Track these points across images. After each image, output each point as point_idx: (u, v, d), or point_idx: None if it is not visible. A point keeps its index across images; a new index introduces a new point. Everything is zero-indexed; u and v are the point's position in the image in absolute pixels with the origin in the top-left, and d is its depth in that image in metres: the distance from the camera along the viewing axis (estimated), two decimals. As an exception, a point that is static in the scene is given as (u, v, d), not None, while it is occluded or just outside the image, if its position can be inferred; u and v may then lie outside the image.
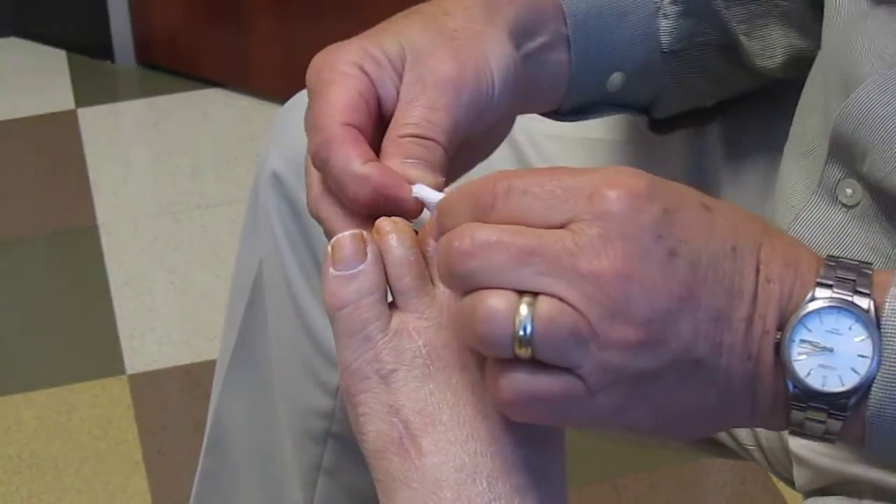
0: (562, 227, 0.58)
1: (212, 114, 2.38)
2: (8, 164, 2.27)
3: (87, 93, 2.43)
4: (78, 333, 1.92)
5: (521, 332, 0.58)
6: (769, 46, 0.89)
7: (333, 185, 0.69)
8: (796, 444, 0.89)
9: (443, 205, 0.63)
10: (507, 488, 0.62)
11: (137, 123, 2.40)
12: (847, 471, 0.85)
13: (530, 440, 0.63)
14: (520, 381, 0.59)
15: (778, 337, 0.60)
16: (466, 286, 0.59)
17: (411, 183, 0.68)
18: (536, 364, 0.58)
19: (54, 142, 2.33)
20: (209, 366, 1.19)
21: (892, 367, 0.60)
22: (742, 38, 0.87)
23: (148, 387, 1.83)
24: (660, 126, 0.92)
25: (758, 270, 0.60)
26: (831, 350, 0.60)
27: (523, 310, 0.58)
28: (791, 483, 0.94)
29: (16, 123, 2.36)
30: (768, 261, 0.60)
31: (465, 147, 0.73)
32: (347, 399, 0.65)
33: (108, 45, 2.49)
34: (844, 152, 0.78)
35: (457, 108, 0.71)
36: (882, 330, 0.60)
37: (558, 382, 0.58)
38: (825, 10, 0.81)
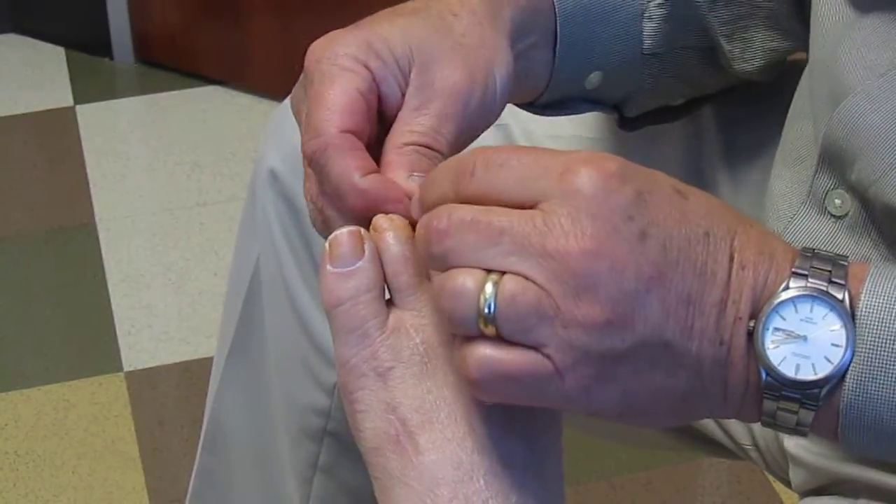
0: (534, 204, 0.59)
1: (210, 111, 2.38)
2: (6, 161, 2.27)
3: (86, 90, 2.43)
4: (75, 330, 1.92)
5: (486, 310, 0.58)
6: (749, 49, 0.89)
7: (330, 192, 0.69)
8: (792, 444, 0.90)
9: (426, 179, 0.64)
10: (504, 486, 0.62)
11: (136, 120, 2.40)
12: (843, 471, 0.85)
13: (528, 438, 0.64)
14: (486, 358, 0.59)
15: (751, 324, 0.60)
16: (442, 265, 0.60)
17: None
18: (503, 342, 0.59)
19: (53, 138, 2.33)
20: (206, 363, 1.19)
21: (867, 359, 0.60)
22: (723, 40, 0.88)
23: (145, 384, 1.83)
24: (629, 123, 0.92)
25: (731, 257, 0.60)
26: (805, 338, 0.60)
27: (488, 288, 0.58)
28: (787, 483, 0.94)
29: (14, 120, 2.36)
30: (742, 248, 0.60)
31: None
32: (345, 396, 0.65)
33: (106, 42, 2.49)
34: (834, 161, 0.78)
35: (463, 119, 0.71)
36: (857, 321, 0.60)
37: (524, 360, 0.59)
38: (811, 21, 0.81)
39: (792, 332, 0.60)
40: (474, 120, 0.72)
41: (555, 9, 0.81)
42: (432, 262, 0.61)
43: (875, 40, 0.75)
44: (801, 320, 0.60)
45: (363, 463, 0.65)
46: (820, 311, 0.60)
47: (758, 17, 0.88)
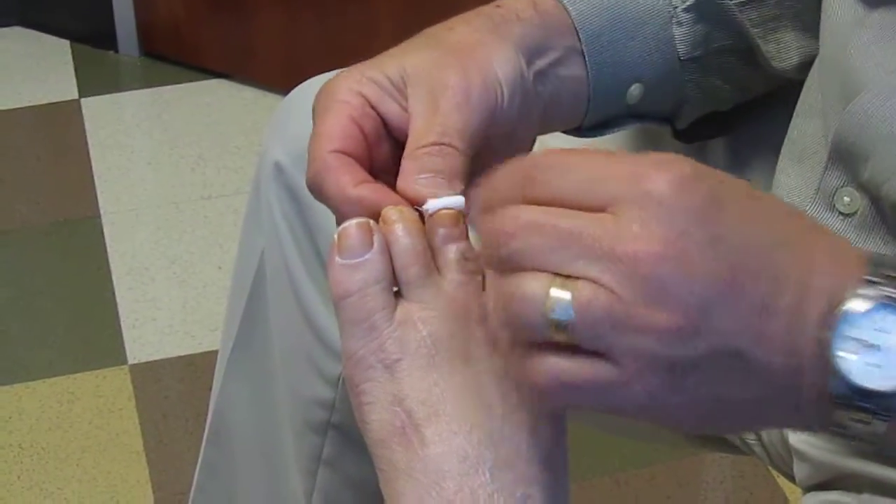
0: (604, 208, 0.58)
1: (215, 104, 2.38)
2: (11, 153, 2.27)
3: (91, 83, 2.43)
4: (80, 323, 1.93)
5: (559, 317, 0.57)
6: (784, 48, 0.88)
7: (332, 211, 0.70)
8: (796, 439, 0.90)
9: (489, 179, 0.62)
10: (510, 479, 0.62)
11: (141, 113, 2.40)
12: (847, 465, 0.85)
13: (534, 432, 0.64)
14: (554, 366, 0.58)
15: (825, 332, 0.58)
16: (508, 267, 0.59)
17: (421, 203, 0.68)
18: (571, 348, 0.58)
19: (57, 131, 2.33)
20: (210, 356, 1.19)
21: None
22: (758, 41, 0.87)
23: (149, 377, 1.83)
24: (682, 135, 0.91)
25: (804, 263, 0.59)
26: (878, 348, 0.58)
27: (560, 294, 0.57)
28: (791, 477, 0.94)
29: (19, 113, 2.36)
30: (815, 255, 0.59)
31: (488, 165, 0.72)
32: (351, 388, 0.65)
33: (111, 35, 2.49)
34: (845, 159, 0.77)
35: (468, 109, 0.71)
36: None
37: (593, 367, 0.58)
38: (822, 17, 0.81)
39: (865, 340, 0.58)
40: (483, 112, 0.72)
41: (574, 27, 0.80)
42: (496, 263, 0.60)
43: (884, 37, 0.75)
44: (875, 329, 0.58)
45: (367, 456, 0.65)
46: (893, 319, 0.58)
47: (786, 17, 0.87)
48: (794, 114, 0.86)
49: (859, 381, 0.58)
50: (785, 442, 0.92)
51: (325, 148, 0.70)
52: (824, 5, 0.80)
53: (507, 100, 0.74)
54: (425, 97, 0.72)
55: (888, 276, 0.59)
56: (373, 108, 0.72)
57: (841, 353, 0.58)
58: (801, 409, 0.60)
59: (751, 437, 0.96)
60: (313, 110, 0.73)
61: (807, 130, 0.83)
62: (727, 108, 0.92)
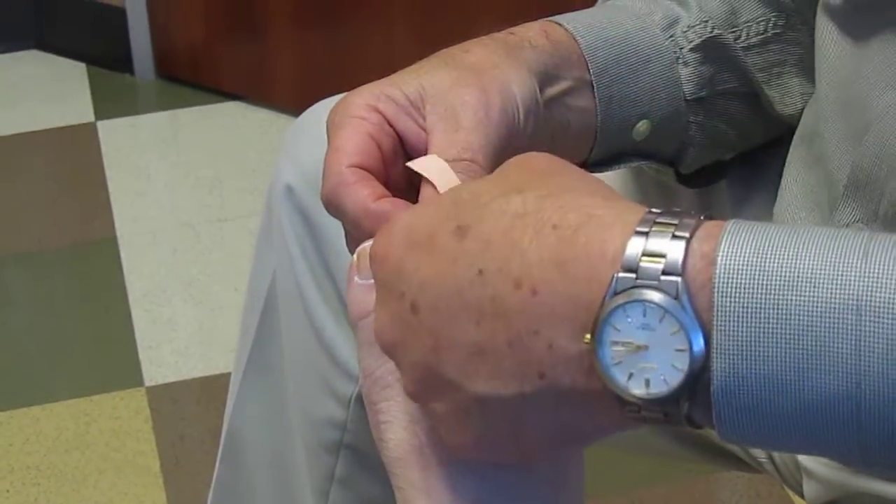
0: None
1: (230, 127, 2.39)
2: (28, 176, 2.29)
3: (107, 105, 2.44)
4: (96, 345, 1.93)
5: None
6: (789, 94, 0.89)
7: (350, 227, 0.70)
8: (805, 457, 0.90)
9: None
10: (526, 497, 0.63)
11: (156, 136, 2.41)
12: (855, 484, 0.85)
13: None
14: None
15: (588, 340, 0.53)
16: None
17: None
18: None
19: (74, 154, 2.34)
20: (227, 378, 1.20)
21: (727, 352, 0.51)
22: (762, 85, 0.87)
23: (166, 398, 1.84)
24: (686, 181, 0.91)
25: (518, 284, 0.55)
26: (647, 348, 0.53)
27: None
28: (803, 495, 0.94)
29: (36, 136, 2.37)
30: (532, 271, 0.55)
31: None
32: (369, 406, 0.65)
33: (127, 58, 2.51)
34: (861, 193, 0.77)
35: (488, 127, 0.71)
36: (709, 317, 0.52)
37: None
38: (816, 60, 0.81)
39: (630, 343, 0.53)
40: (502, 128, 0.72)
41: (585, 58, 0.81)
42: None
43: (886, 65, 0.75)
44: (638, 328, 0.53)
45: (380, 476, 0.66)
46: (655, 315, 0.52)
47: (790, 63, 0.87)
48: (785, 174, 0.86)
49: (636, 391, 0.53)
50: (795, 459, 0.92)
51: (342, 163, 0.70)
52: (817, 47, 0.80)
53: (523, 121, 0.74)
54: (445, 115, 0.72)
55: (644, 266, 0.53)
56: (390, 125, 0.72)
57: (611, 362, 0.53)
58: (597, 419, 0.57)
59: (761, 455, 0.96)
60: (328, 126, 0.73)
61: (799, 189, 0.83)
62: (729, 156, 0.92)
